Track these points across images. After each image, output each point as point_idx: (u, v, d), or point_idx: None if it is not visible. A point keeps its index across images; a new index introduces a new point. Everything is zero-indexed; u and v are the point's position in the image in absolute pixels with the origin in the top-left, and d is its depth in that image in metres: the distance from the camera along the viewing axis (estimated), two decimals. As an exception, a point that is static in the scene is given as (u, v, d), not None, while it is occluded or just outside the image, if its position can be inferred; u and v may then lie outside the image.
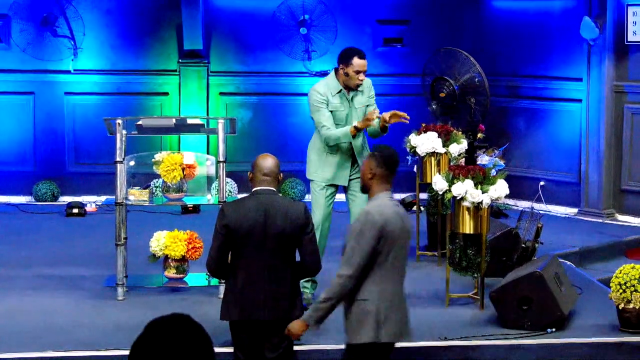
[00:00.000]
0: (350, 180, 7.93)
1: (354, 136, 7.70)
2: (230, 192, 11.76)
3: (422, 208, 9.72)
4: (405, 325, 5.48)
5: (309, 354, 6.88)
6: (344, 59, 7.86)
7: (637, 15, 10.98)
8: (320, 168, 7.87)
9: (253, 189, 5.83)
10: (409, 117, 7.74)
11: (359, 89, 7.89)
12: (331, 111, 7.80)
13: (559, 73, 11.80)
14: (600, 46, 11.24)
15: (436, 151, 9.07)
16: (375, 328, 5.33)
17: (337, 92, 7.82)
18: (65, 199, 11.97)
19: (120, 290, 8.02)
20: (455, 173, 7.79)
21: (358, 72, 7.81)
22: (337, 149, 7.83)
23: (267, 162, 5.81)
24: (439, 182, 7.86)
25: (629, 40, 11.09)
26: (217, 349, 6.61)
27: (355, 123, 7.72)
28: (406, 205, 11.76)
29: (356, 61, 7.82)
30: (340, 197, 8.03)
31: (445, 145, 9.09)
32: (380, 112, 8.04)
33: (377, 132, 7.88)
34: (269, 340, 5.74)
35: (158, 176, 8.21)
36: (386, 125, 7.79)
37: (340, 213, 8.66)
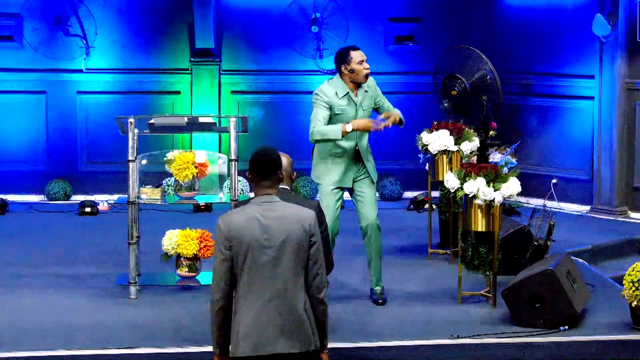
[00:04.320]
0: (355, 181, 7.90)
1: (342, 135, 7.60)
2: (242, 190, 11.77)
3: (434, 206, 9.71)
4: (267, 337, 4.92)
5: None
6: (341, 59, 7.81)
7: (649, 12, 10.96)
8: (326, 173, 7.83)
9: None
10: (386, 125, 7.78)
11: (365, 88, 7.88)
12: (338, 114, 7.74)
13: (571, 70, 11.78)
14: (612, 43, 11.21)
15: (448, 149, 9.06)
16: (235, 341, 4.94)
17: (344, 95, 7.77)
18: (78, 198, 12.00)
19: (132, 288, 8.02)
20: (467, 171, 7.78)
21: (361, 62, 7.79)
22: (343, 152, 7.79)
23: (282, 160, 5.85)
24: (451, 180, 7.86)
25: (641, 37, 11.08)
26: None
27: (348, 124, 7.61)
28: (418, 203, 11.77)
29: (353, 54, 7.80)
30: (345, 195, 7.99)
31: (457, 143, 9.08)
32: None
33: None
34: None
35: (170, 175, 8.22)
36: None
37: (347, 211, 8.66)
